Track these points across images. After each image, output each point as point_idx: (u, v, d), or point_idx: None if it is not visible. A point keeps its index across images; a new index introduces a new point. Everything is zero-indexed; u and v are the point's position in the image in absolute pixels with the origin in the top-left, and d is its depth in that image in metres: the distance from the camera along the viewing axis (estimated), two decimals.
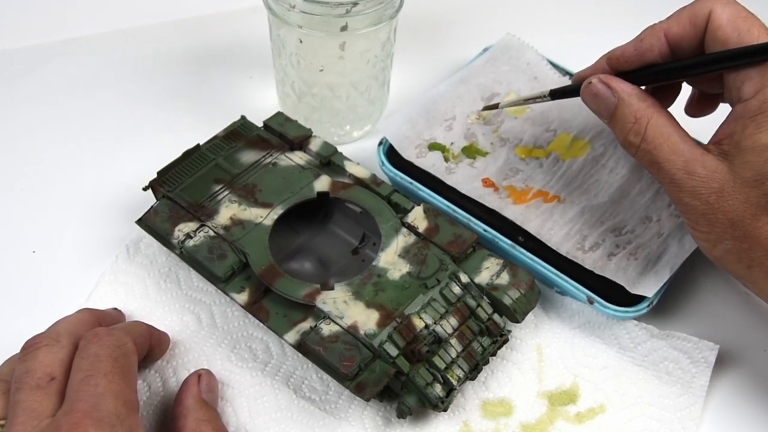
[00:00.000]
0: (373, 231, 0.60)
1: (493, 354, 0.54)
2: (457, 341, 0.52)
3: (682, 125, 0.52)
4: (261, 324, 0.54)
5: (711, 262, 0.53)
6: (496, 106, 0.65)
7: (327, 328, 0.51)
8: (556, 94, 0.59)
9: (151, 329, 0.53)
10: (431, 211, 0.58)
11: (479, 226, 0.60)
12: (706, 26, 0.51)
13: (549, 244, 0.59)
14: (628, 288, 0.57)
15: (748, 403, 0.55)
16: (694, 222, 0.51)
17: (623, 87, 0.52)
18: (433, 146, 0.65)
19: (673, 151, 0.50)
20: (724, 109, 0.53)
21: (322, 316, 0.52)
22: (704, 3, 0.51)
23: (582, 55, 0.62)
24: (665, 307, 0.60)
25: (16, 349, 0.47)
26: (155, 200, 0.59)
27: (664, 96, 0.57)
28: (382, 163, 0.64)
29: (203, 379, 0.51)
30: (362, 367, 0.50)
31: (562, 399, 0.55)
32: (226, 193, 0.58)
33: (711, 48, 0.51)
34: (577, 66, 0.63)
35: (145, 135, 0.70)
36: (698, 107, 0.59)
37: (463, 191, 0.62)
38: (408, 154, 0.64)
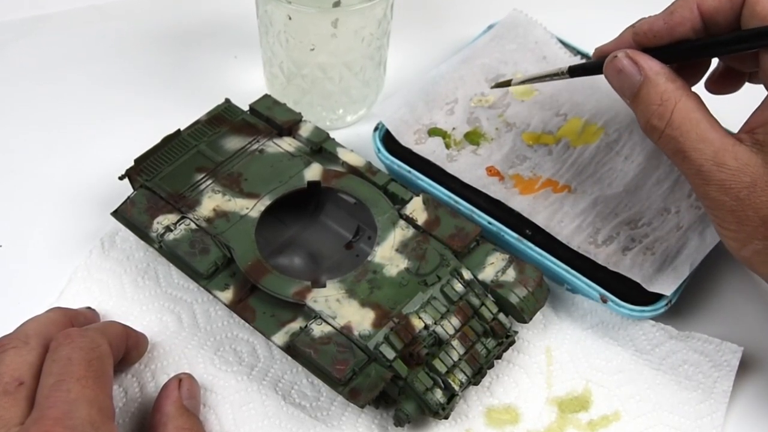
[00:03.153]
0: (368, 223, 0.60)
1: (499, 357, 0.55)
2: (460, 343, 0.52)
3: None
4: (247, 324, 0.54)
5: (734, 258, 0.53)
6: (508, 83, 0.65)
7: (318, 329, 0.51)
8: (576, 70, 0.58)
9: (127, 330, 0.53)
10: (431, 202, 0.58)
11: (483, 218, 0.60)
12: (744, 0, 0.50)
13: (559, 238, 0.59)
14: (644, 285, 0.57)
15: None
16: (722, 219, 0.50)
17: (651, 65, 0.51)
18: (434, 132, 0.65)
19: (702, 138, 0.49)
20: (752, 93, 0.53)
21: (313, 315, 0.52)
22: None
23: (595, 33, 0.61)
24: (685, 306, 0.60)
25: None
26: (132, 190, 0.59)
27: (691, 73, 0.56)
28: (378, 149, 0.64)
29: (184, 384, 0.51)
30: (356, 371, 0.50)
31: (573, 405, 0.55)
32: (209, 182, 0.58)
33: (748, 24, 0.50)
34: (589, 45, 0.63)
35: (121, 119, 0.70)
36: (722, 83, 0.58)
37: (466, 180, 0.62)
38: (406, 140, 0.64)
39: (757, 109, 0.50)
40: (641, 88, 0.51)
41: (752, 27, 0.49)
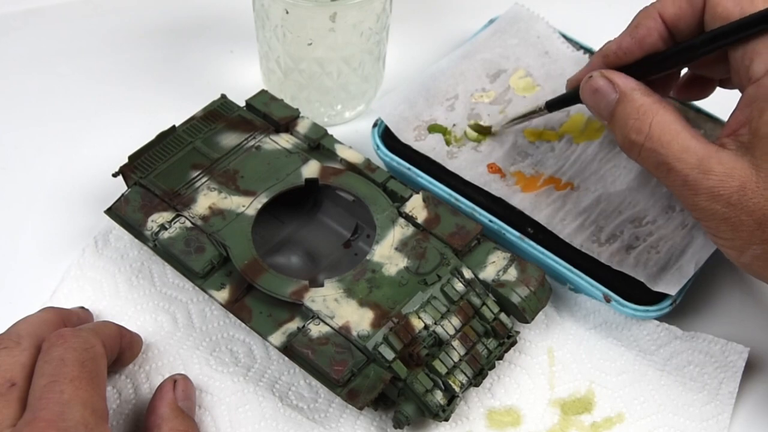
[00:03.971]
0: (366, 221, 0.60)
1: (500, 358, 0.55)
2: (460, 343, 0.52)
3: None
4: (243, 325, 0.54)
5: (736, 266, 0.53)
6: (488, 129, 0.65)
7: (316, 329, 0.51)
8: (554, 104, 0.60)
9: (121, 330, 0.53)
10: (431, 200, 0.58)
11: (484, 216, 0.60)
12: (705, 2, 0.50)
13: (561, 236, 0.59)
14: (648, 284, 0.57)
15: None
16: (716, 229, 0.49)
17: (626, 81, 0.52)
18: (434, 128, 0.65)
19: (684, 148, 0.49)
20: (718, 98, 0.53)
21: (310, 315, 0.52)
22: None
23: (598, 27, 0.62)
24: (690, 305, 0.60)
25: None
26: (126, 187, 0.59)
27: (662, 86, 0.57)
28: (377, 146, 0.64)
29: (179, 385, 0.51)
30: (355, 372, 0.50)
31: (576, 407, 0.55)
32: (204, 179, 0.58)
33: (711, 26, 0.50)
34: (592, 39, 0.63)
35: (115, 115, 0.70)
36: (690, 90, 0.59)
37: (467, 178, 0.62)
38: (405, 136, 0.64)
39: (734, 111, 0.50)
40: (617, 105, 0.52)
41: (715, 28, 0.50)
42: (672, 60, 0.53)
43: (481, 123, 0.66)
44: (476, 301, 0.54)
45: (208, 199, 0.57)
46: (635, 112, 0.50)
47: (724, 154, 0.48)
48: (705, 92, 0.59)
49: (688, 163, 0.48)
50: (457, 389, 0.51)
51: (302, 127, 0.62)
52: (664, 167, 0.50)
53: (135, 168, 0.59)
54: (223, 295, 0.54)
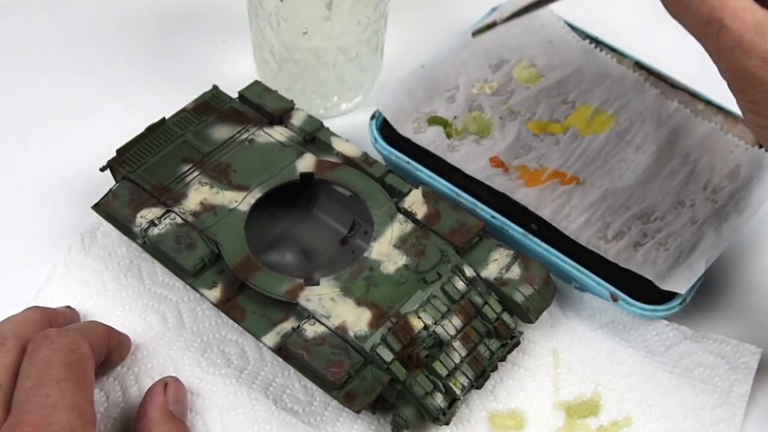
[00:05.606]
0: (364, 218, 0.60)
1: (503, 359, 0.55)
2: (461, 344, 0.52)
3: None
4: (236, 325, 0.54)
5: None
6: (493, 25, 0.59)
7: (311, 330, 0.51)
8: None
9: (109, 330, 0.53)
10: (431, 195, 0.58)
11: (486, 211, 0.60)
12: None
13: (566, 233, 0.59)
14: (657, 283, 0.57)
15: None
16: (762, 105, 0.48)
17: None
18: (434, 120, 0.65)
19: (742, 6, 0.46)
20: None
21: (305, 315, 0.52)
22: None
23: (605, 15, 0.62)
24: (700, 305, 0.60)
25: None
26: (114, 182, 0.59)
27: None
28: (375, 139, 0.64)
29: (170, 388, 0.51)
30: (352, 374, 0.50)
31: (582, 411, 0.55)
32: (195, 174, 0.58)
33: None
34: (598, 28, 0.63)
35: (103, 107, 0.70)
36: None
37: (468, 172, 0.62)
38: (404, 129, 0.64)
39: None
40: None
41: None
42: None
43: (483, 114, 0.66)
44: (478, 300, 0.54)
45: (199, 194, 0.57)
46: None
47: None
48: None
49: (745, 23, 0.46)
50: (458, 392, 0.51)
51: (297, 119, 0.62)
52: (715, 24, 0.47)
53: (123, 162, 0.59)
54: (215, 294, 0.54)
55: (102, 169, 0.59)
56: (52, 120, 0.69)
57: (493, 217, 0.60)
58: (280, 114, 0.62)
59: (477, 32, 0.59)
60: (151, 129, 0.60)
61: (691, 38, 0.49)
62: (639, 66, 0.68)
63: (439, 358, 0.51)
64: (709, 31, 0.47)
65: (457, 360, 0.52)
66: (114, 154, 0.59)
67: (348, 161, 0.60)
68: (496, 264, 0.55)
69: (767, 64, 0.46)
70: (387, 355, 0.50)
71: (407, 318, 0.52)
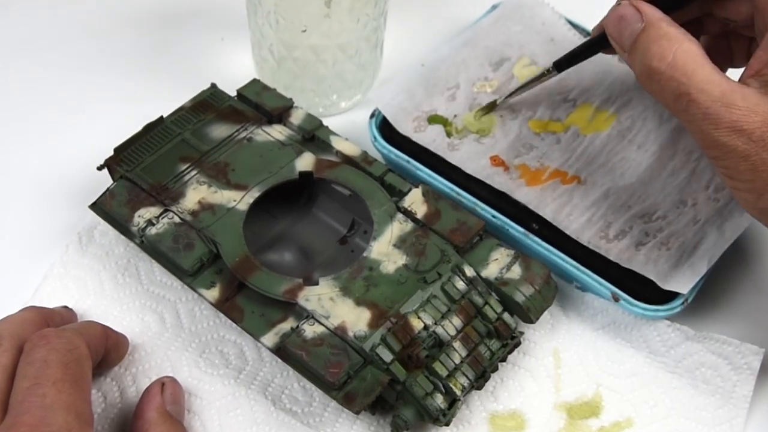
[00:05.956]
0: (363, 217, 0.60)
1: (503, 359, 0.55)
2: (461, 344, 0.52)
3: None
4: (234, 325, 0.54)
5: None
6: (493, 105, 0.65)
7: (310, 330, 0.51)
8: (563, 62, 0.60)
9: (107, 330, 0.53)
10: (431, 194, 0.58)
11: (487, 211, 0.60)
12: None
13: (567, 232, 0.59)
14: (659, 283, 0.57)
15: None
16: (734, 170, 0.50)
17: (653, 12, 0.52)
18: (434, 119, 0.65)
19: (708, 80, 0.49)
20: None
21: (304, 315, 0.52)
22: None
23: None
24: (702, 305, 0.60)
25: None
26: (111, 181, 0.59)
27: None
28: (375, 138, 0.64)
29: (167, 388, 0.51)
30: (351, 374, 0.50)
31: (583, 411, 0.55)
32: (193, 173, 0.58)
33: None
34: None
35: (100, 106, 0.70)
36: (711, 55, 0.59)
37: (469, 171, 0.62)
38: (404, 128, 0.64)
39: (758, 51, 0.50)
40: (641, 33, 0.52)
41: None
42: None
43: (482, 103, 0.66)
44: (478, 300, 0.54)
45: (197, 193, 0.57)
46: (660, 38, 0.50)
47: (747, 90, 0.49)
48: (725, 62, 0.59)
49: (711, 95, 0.48)
50: (458, 392, 0.51)
51: (296, 117, 0.62)
52: (684, 98, 0.49)
53: (121, 161, 0.59)
54: (213, 293, 0.54)
55: (99, 168, 0.59)
56: (49, 118, 0.69)
57: (493, 216, 0.60)
58: (279, 112, 0.62)
59: (481, 111, 0.66)
60: (149, 128, 0.60)
61: None
62: None
63: (439, 359, 0.51)
64: (679, 104, 0.50)
65: (457, 360, 0.52)
66: (112, 153, 0.59)
67: (347, 160, 0.60)
68: (497, 264, 0.55)
69: (734, 133, 0.48)
70: (386, 356, 0.50)
71: (407, 318, 0.52)
